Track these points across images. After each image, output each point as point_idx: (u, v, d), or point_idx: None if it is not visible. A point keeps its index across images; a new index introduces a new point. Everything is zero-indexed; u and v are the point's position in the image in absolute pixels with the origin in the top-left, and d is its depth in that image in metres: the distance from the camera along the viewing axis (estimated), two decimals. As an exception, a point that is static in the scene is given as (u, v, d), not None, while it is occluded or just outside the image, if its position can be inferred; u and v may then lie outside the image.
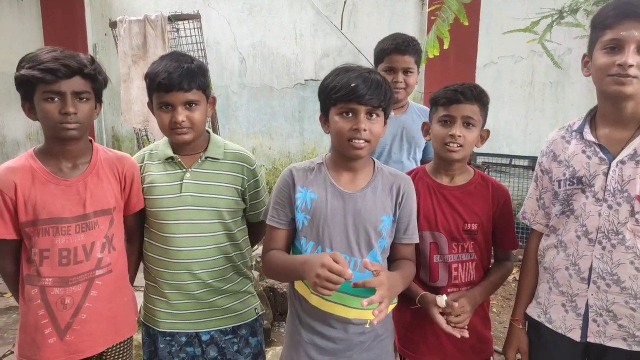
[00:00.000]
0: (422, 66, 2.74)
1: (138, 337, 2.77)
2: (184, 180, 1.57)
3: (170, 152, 1.58)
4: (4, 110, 5.35)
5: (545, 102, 4.67)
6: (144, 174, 1.61)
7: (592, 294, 1.36)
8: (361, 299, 1.20)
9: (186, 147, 1.59)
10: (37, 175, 1.46)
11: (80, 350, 1.52)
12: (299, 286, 1.43)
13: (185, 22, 4.01)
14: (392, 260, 1.47)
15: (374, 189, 1.41)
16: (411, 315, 1.58)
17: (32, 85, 1.39)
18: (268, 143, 5.14)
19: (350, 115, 1.33)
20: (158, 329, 1.62)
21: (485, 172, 2.74)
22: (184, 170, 1.58)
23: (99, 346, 1.56)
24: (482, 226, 1.55)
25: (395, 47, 2.02)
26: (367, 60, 4.73)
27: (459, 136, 1.49)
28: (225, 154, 1.61)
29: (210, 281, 1.60)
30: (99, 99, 1.53)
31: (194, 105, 1.52)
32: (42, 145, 1.52)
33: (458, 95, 1.50)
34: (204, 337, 1.63)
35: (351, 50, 4.85)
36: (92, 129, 5.12)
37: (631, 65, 1.23)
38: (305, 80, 4.98)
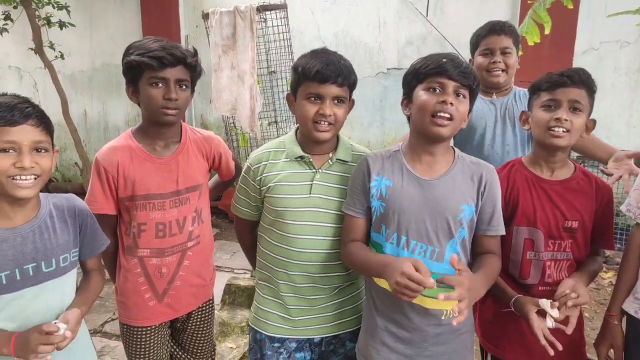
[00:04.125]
0: (518, 55, 2.59)
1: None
2: (314, 181, 1.49)
3: (300, 151, 1.50)
4: (106, 99, 5.82)
5: (655, 92, 4.22)
6: (267, 174, 1.51)
7: None
8: (439, 289, 1.16)
9: (316, 147, 1.50)
10: (134, 154, 1.55)
11: (176, 310, 1.69)
12: None
13: (273, 12, 4.08)
14: (476, 254, 1.39)
15: (454, 176, 1.35)
16: (493, 309, 1.51)
17: (139, 70, 1.47)
18: (348, 132, 5.12)
19: (438, 90, 1.31)
20: (267, 334, 1.55)
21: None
22: (314, 170, 1.50)
23: (190, 307, 1.72)
24: (582, 224, 1.44)
25: (490, 28, 2.00)
26: (453, 48, 4.56)
27: (566, 120, 1.40)
28: (353, 156, 1.54)
29: (327, 286, 1.52)
30: (193, 89, 1.60)
31: (341, 102, 1.45)
32: (139, 126, 1.61)
33: (564, 79, 1.43)
34: (316, 340, 1.55)
35: (437, 37, 4.68)
36: (183, 116, 5.42)
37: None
38: (388, 69, 4.90)
